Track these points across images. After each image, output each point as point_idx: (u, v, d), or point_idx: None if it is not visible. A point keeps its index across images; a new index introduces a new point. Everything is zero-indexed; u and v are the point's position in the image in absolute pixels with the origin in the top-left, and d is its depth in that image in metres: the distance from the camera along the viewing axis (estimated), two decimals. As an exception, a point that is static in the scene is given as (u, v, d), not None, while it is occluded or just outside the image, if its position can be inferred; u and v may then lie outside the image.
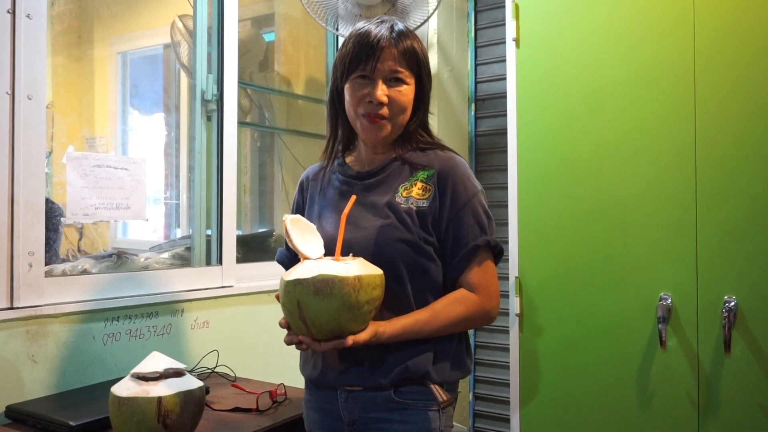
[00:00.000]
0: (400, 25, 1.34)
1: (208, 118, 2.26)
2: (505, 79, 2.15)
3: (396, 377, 1.27)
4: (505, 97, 2.14)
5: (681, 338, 1.79)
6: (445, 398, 1.28)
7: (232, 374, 1.93)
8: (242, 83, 2.53)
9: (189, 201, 2.38)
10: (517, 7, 2.06)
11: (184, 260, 2.26)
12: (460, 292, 1.30)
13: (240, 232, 2.44)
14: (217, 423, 1.50)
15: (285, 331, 1.27)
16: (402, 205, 1.30)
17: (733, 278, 1.71)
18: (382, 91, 1.29)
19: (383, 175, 1.36)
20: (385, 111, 1.31)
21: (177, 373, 1.30)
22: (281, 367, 2.22)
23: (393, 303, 1.28)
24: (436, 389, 1.29)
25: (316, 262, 1.18)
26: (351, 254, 1.25)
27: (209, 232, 2.25)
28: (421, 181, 1.32)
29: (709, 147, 1.75)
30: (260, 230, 2.97)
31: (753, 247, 1.69)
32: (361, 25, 1.35)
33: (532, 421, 2.03)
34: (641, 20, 1.86)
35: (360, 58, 1.30)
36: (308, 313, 1.14)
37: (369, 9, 2.41)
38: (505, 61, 2.15)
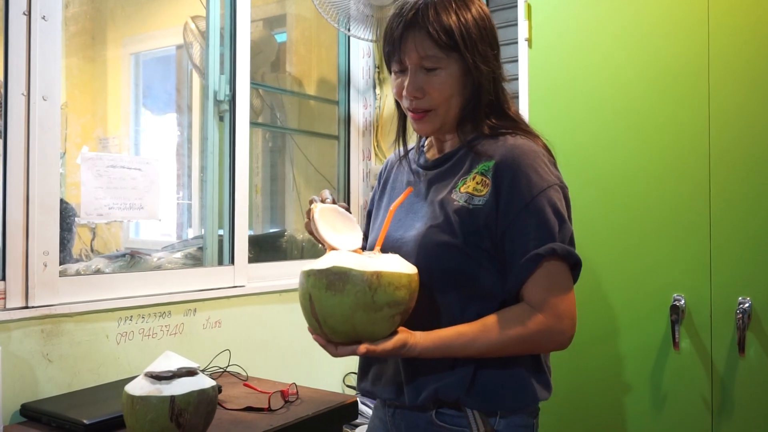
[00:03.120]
0: None
1: (221, 119, 2.27)
2: (517, 79, 2.14)
3: (426, 399, 1.12)
4: (517, 97, 2.14)
5: (694, 339, 1.77)
6: (481, 429, 1.09)
7: (244, 374, 1.94)
8: (254, 84, 2.54)
9: (201, 201, 2.39)
10: (529, 7, 2.06)
11: (196, 260, 2.27)
12: (521, 308, 1.09)
13: (252, 232, 2.45)
14: (229, 422, 1.51)
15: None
16: (455, 203, 1.12)
17: (748, 279, 1.70)
18: (412, 84, 1.14)
19: (446, 167, 1.20)
20: (424, 104, 1.15)
21: (190, 373, 1.30)
22: (293, 366, 2.22)
23: (425, 316, 1.10)
24: (473, 416, 1.10)
25: (338, 254, 1.05)
26: (393, 252, 1.11)
27: (221, 232, 2.26)
28: (480, 173, 1.12)
29: (723, 147, 1.74)
30: (272, 230, 2.98)
31: (768, 248, 1.67)
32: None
33: (543, 422, 2.02)
34: (655, 20, 1.85)
35: (389, 51, 1.17)
36: (320, 309, 1.01)
37: (381, 9, 2.41)
38: (517, 61, 2.14)
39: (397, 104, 1.26)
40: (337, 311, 1.00)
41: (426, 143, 1.30)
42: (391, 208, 1.12)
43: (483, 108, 1.18)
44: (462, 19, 1.13)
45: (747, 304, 1.68)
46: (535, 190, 1.09)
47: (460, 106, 1.18)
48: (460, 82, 1.15)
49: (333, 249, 1.09)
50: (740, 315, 1.67)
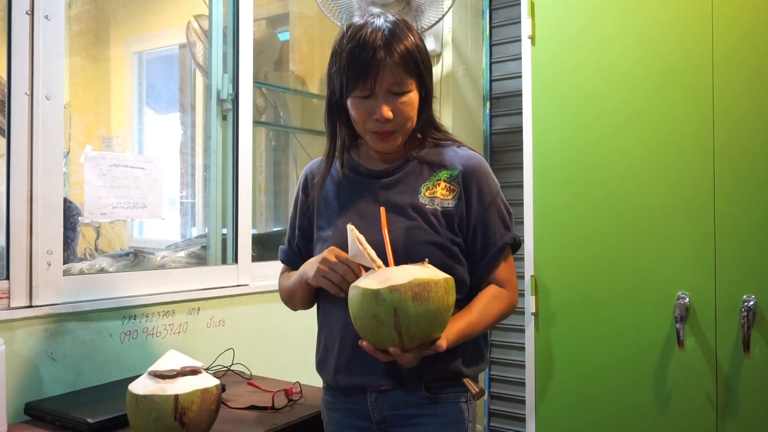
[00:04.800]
0: (390, 23, 1.24)
1: (224, 118, 2.27)
2: (520, 77, 2.14)
3: (429, 378, 1.27)
4: (520, 95, 2.13)
5: (699, 338, 1.77)
6: (477, 390, 1.27)
7: (248, 372, 1.94)
8: (257, 82, 2.54)
9: (205, 200, 2.39)
10: (532, 4, 2.05)
11: (200, 259, 2.28)
12: (494, 289, 1.30)
13: (255, 231, 2.45)
14: (233, 421, 1.51)
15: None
16: (427, 206, 1.28)
17: (753, 277, 1.69)
18: (386, 108, 1.23)
19: (400, 174, 1.32)
20: (391, 126, 1.26)
21: (193, 371, 1.30)
22: (297, 365, 2.22)
23: None
24: (469, 383, 1.28)
25: (396, 269, 1.14)
26: (425, 261, 1.20)
27: (225, 230, 2.26)
28: (445, 180, 1.30)
29: (728, 145, 1.73)
30: (275, 229, 2.98)
31: (773, 246, 1.67)
32: (355, 26, 1.26)
33: (548, 421, 2.02)
34: (658, 17, 1.84)
35: (357, 77, 1.22)
36: (405, 320, 1.09)
37: (384, 7, 2.40)
38: (520, 58, 2.14)
39: (333, 121, 1.35)
40: (422, 319, 1.10)
41: (356, 155, 1.39)
42: (383, 228, 1.22)
43: (430, 123, 1.35)
44: (415, 44, 1.26)
45: (752, 302, 1.68)
46: (494, 192, 1.33)
47: (415, 123, 1.30)
48: (418, 102, 1.29)
49: (379, 267, 1.17)
50: (745, 313, 1.66)
